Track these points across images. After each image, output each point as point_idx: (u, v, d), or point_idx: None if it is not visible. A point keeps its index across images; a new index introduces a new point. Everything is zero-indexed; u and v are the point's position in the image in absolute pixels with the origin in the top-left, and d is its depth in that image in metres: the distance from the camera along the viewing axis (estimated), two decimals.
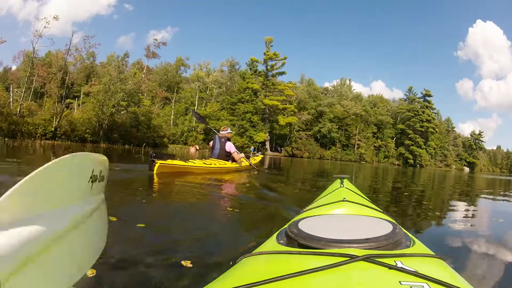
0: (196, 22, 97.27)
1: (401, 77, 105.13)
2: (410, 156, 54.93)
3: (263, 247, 0.91)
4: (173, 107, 38.57)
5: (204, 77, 38.15)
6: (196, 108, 36.92)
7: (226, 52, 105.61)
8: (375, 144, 54.02)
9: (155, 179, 4.24)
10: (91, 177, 0.74)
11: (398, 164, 52.83)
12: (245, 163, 6.93)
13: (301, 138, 46.91)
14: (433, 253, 0.78)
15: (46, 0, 65.75)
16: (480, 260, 1.88)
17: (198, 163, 5.41)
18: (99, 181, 0.81)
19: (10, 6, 59.68)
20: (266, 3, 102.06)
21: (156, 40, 36.60)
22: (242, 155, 6.86)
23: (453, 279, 0.62)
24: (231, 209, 2.80)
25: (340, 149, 50.10)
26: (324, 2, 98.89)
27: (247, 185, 4.87)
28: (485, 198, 6.04)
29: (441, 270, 0.68)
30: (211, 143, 6.61)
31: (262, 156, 12.23)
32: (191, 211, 2.66)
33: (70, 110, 28.62)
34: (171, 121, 36.60)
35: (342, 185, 1.68)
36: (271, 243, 0.91)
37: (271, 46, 42.64)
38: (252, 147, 34.39)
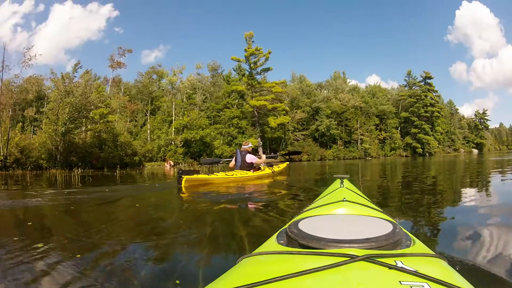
0: (187, 36, 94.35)
1: (395, 68, 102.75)
2: (418, 145, 51.38)
3: (263, 247, 0.90)
4: (148, 121, 34.22)
5: (177, 83, 33.76)
6: (173, 118, 32.53)
7: (218, 60, 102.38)
8: (379, 137, 49.81)
9: (184, 191, 5.20)
10: None
11: (406, 156, 49.21)
12: (267, 171, 7.53)
13: (297, 140, 42.47)
14: (433, 253, 0.77)
15: (36, 30, 64.85)
16: (481, 259, 1.78)
17: (220, 175, 6.23)
18: None
19: None
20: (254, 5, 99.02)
21: (120, 48, 32.47)
22: (263, 158, 7.45)
23: (453, 278, 0.61)
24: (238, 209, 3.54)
25: (342, 147, 45.60)
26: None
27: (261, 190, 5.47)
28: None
29: (441, 269, 0.68)
30: (233, 158, 7.30)
31: (288, 163, 11.06)
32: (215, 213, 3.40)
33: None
34: (148, 137, 32.25)
35: (342, 185, 1.64)
36: (271, 243, 0.91)
37: (253, 42, 38.50)
38: None
